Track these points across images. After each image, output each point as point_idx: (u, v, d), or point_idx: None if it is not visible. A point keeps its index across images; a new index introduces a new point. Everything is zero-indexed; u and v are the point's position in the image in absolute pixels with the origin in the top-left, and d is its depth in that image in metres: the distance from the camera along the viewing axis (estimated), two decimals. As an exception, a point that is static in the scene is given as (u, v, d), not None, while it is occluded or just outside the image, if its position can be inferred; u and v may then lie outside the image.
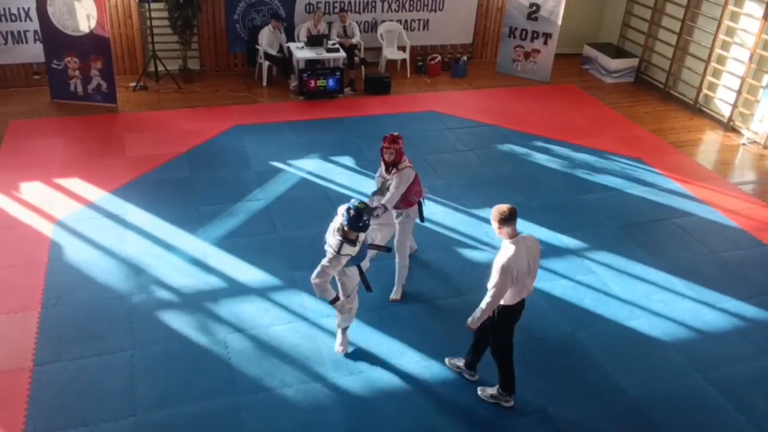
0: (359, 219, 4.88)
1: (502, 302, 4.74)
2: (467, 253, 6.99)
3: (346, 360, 5.49)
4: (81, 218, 7.12)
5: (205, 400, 5.05)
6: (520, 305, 4.87)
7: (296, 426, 4.89)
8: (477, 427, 5.00)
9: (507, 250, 4.60)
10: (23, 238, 6.75)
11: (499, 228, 4.63)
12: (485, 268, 6.74)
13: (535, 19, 11.55)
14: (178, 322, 5.75)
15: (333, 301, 5.20)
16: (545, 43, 11.64)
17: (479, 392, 5.25)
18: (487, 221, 7.49)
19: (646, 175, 8.83)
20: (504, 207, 4.59)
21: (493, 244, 7.11)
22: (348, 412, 5.03)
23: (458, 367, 5.43)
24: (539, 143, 9.52)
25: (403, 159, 5.89)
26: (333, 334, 5.73)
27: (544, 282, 6.58)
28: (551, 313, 6.20)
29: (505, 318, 4.86)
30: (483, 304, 4.73)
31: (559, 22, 11.40)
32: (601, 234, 7.45)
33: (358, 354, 5.58)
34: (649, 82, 12.06)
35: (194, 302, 6.04)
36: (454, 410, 5.12)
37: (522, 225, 7.45)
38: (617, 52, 12.34)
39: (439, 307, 6.18)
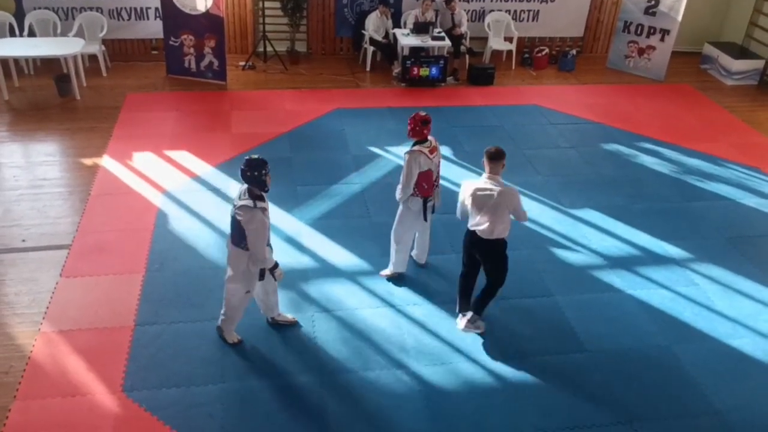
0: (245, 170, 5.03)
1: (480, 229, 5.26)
2: (560, 253, 6.78)
3: (430, 350, 5.48)
4: (187, 190, 7.46)
5: (290, 375, 5.18)
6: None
7: (375, 409, 4.94)
8: (555, 430, 4.89)
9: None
10: (133, 205, 7.15)
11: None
12: (579, 269, 6.60)
13: (654, 14, 10.99)
14: (270, 297, 5.91)
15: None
16: (662, 39, 11.06)
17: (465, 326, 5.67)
18: (586, 222, 7.31)
19: (764, 185, 8.24)
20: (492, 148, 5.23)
21: (590, 246, 6.87)
22: (428, 402, 5.02)
23: (474, 326, 5.63)
24: (647, 145, 9.08)
25: (424, 139, 5.64)
26: (419, 323, 5.74)
27: (641, 290, 6.29)
28: (647, 324, 5.92)
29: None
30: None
31: (680, 18, 10.79)
32: (708, 245, 7.03)
33: (443, 346, 5.55)
34: (774, 87, 11.24)
35: (286, 279, 6.15)
36: (535, 410, 5.00)
37: (622, 229, 7.18)
38: (741, 53, 11.55)
39: (526, 307, 6.04)
